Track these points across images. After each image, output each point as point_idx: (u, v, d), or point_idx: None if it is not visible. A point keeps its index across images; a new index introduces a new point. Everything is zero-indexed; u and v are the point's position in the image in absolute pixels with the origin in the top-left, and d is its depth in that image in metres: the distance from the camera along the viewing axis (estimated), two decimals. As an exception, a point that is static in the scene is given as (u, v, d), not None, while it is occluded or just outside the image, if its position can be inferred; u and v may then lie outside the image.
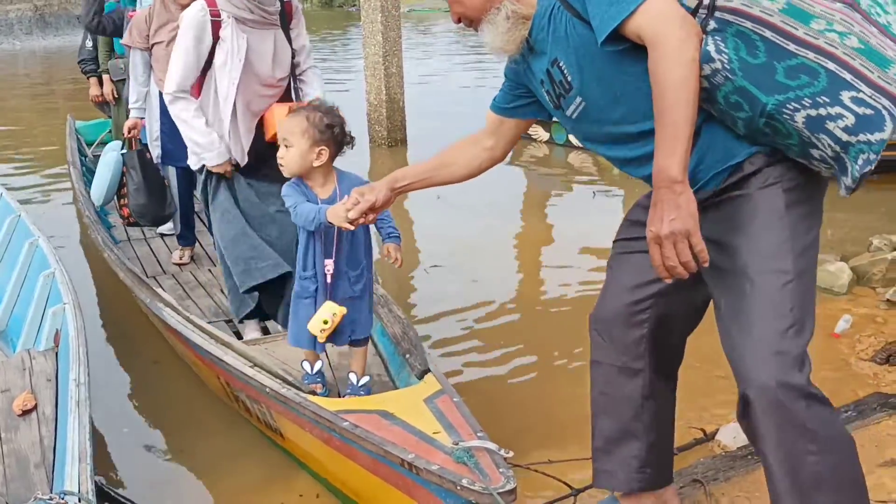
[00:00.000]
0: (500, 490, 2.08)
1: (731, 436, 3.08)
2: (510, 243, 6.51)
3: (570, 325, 4.73)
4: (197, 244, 5.16)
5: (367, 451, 2.38)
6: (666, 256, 1.69)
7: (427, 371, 2.87)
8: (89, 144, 7.29)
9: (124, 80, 5.61)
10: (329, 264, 2.84)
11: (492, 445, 2.29)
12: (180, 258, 4.97)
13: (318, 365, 3.04)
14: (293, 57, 3.71)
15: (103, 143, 6.64)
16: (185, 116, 3.54)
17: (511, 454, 2.30)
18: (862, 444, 2.80)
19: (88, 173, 6.31)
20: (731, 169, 1.88)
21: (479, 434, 2.37)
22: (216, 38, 3.44)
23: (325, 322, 2.77)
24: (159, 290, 3.77)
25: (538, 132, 10.37)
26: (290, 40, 3.68)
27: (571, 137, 9.86)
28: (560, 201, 8.11)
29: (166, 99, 3.61)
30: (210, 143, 3.51)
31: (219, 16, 3.45)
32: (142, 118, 4.85)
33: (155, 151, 4.78)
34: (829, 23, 1.69)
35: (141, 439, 3.56)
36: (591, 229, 6.27)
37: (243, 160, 3.59)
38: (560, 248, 6.29)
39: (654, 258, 1.74)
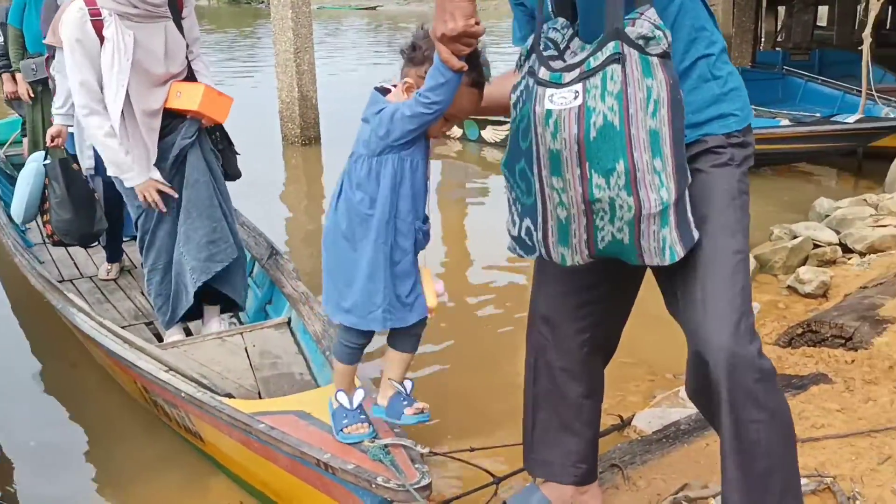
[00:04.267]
0: (416, 486, 2.10)
1: (647, 421, 3.18)
2: (431, 240, 6.51)
3: (491, 317, 4.80)
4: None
5: (284, 452, 2.37)
6: (446, 56, 1.80)
7: None
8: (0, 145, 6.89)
9: (38, 80, 5.22)
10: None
11: (408, 442, 2.30)
12: (107, 273, 4.69)
13: (358, 395, 2.36)
14: (187, 48, 3.49)
15: (16, 143, 6.29)
16: (99, 134, 3.30)
17: (427, 450, 2.32)
18: (768, 422, 2.94)
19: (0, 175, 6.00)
20: (694, 141, 1.85)
21: (395, 431, 2.38)
22: (101, 39, 3.20)
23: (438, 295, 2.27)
24: (71, 295, 3.63)
25: (452, 129, 10.42)
26: (182, 32, 3.46)
27: (484, 134, 9.97)
28: (476, 196, 8.18)
29: (80, 114, 3.35)
30: (127, 162, 3.30)
31: (99, 14, 3.20)
32: (68, 125, 4.23)
33: (86, 163, 4.29)
34: None
35: (51, 449, 3.41)
36: (502, 221, 6.32)
37: (148, 168, 3.36)
38: (478, 242, 6.36)
39: (439, 52, 1.81)
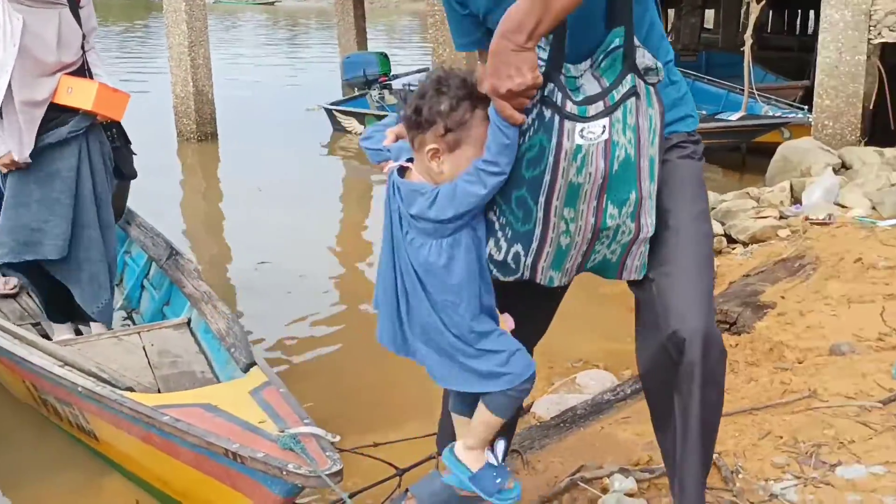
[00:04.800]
0: (328, 472, 2.10)
1: (545, 407, 3.26)
2: (335, 235, 6.54)
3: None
4: None
5: (189, 445, 2.32)
6: (509, 112, 1.66)
7: (252, 364, 2.83)
8: None
9: None
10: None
11: (318, 431, 2.30)
12: (4, 286, 4.43)
13: (500, 446, 1.97)
14: (84, 39, 3.37)
15: None
16: None
17: (338, 438, 2.32)
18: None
19: None
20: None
21: (305, 421, 2.37)
22: None
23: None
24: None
25: (352, 124, 10.38)
26: (79, 21, 3.34)
27: (386, 130, 9.97)
28: (380, 192, 8.18)
29: None
30: None
31: None
32: None
33: None
34: None
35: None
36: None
37: (21, 155, 3.23)
38: (379, 238, 6.36)
39: (498, 109, 1.67)
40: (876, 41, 6.86)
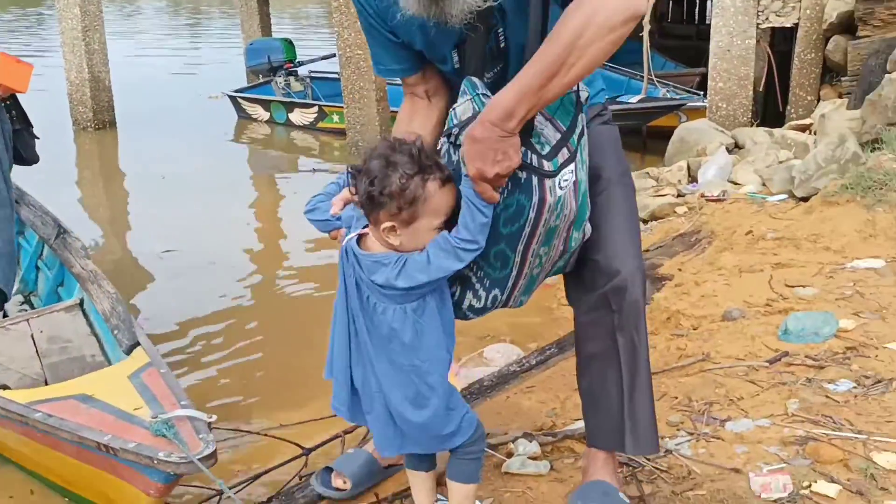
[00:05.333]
0: (199, 456, 2.09)
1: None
2: (243, 222, 6.44)
3: (302, 296, 4.81)
4: None
5: (64, 439, 2.29)
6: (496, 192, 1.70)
7: (136, 345, 2.78)
8: None
9: None
10: None
11: (193, 413, 2.28)
12: None
13: None
14: None
15: None
16: None
17: (214, 418, 2.31)
18: (563, 373, 3.15)
19: None
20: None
21: (182, 403, 2.35)
22: None
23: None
24: None
25: (258, 111, 10.20)
26: None
27: (292, 117, 9.82)
28: (285, 179, 8.08)
29: None
30: None
31: None
32: None
33: None
34: None
35: None
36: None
37: None
38: (289, 224, 6.33)
39: (482, 194, 1.68)
40: (764, 26, 7.17)
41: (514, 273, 1.83)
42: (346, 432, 2.83)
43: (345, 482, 2.32)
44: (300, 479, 2.57)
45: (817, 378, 2.62)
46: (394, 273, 1.73)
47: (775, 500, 1.99)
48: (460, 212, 1.72)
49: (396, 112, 9.52)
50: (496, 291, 1.86)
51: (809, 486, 2.03)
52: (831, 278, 3.42)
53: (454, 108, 1.77)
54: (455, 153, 1.76)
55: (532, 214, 1.74)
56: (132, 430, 2.22)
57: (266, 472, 2.74)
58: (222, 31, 21.23)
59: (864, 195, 3.88)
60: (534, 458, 2.35)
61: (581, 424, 2.52)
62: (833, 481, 2.04)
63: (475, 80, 1.78)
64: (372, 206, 1.71)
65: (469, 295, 1.87)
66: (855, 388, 2.53)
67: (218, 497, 2.57)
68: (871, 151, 4.45)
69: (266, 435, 3.00)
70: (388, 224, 1.71)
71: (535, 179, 1.71)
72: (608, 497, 1.99)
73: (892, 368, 2.62)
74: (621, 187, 1.99)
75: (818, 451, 2.17)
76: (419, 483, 2.05)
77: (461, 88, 1.79)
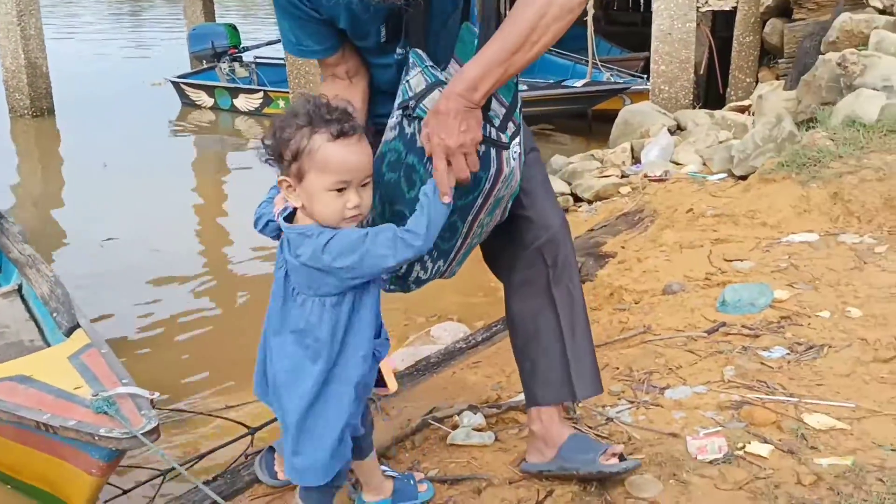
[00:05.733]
0: (142, 431, 2.09)
1: (400, 359, 3.31)
2: (187, 209, 6.37)
3: (246, 280, 4.79)
4: None
5: (3, 420, 2.25)
6: (459, 168, 1.67)
7: (76, 327, 2.74)
8: None
9: None
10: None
11: (135, 390, 2.27)
12: None
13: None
14: None
15: None
16: None
17: (157, 395, 2.30)
18: (509, 349, 3.18)
19: None
20: None
21: (124, 381, 2.33)
22: None
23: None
24: None
25: (202, 98, 10.04)
26: None
27: (237, 102, 9.70)
28: (230, 165, 7.99)
29: None
30: None
31: None
32: None
33: None
34: None
35: None
36: (261, 188, 6.32)
37: None
38: (235, 210, 6.28)
39: (437, 165, 1.66)
40: (704, 9, 7.30)
41: (459, 243, 1.86)
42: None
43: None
44: (246, 458, 2.56)
45: (753, 346, 2.69)
46: (320, 245, 1.61)
47: (711, 462, 2.05)
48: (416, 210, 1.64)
49: (342, 95, 9.38)
50: (440, 262, 1.88)
51: (743, 447, 2.09)
52: (767, 252, 3.51)
53: (407, 81, 1.77)
54: (410, 125, 1.75)
55: (487, 186, 1.77)
56: (73, 408, 2.19)
57: (211, 451, 2.72)
58: (165, 16, 20.81)
59: (798, 172, 3.98)
60: (479, 430, 2.38)
61: (525, 396, 2.57)
62: (766, 442, 2.10)
63: (420, 52, 1.79)
64: (273, 159, 1.65)
65: (417, 267, 1.87)
66: (788, 354, 2.61)
67: (161, 478, 2.56)
68: (806, 130, 4.57)
69: (211, 415, 2.99)
70: (281, 178, 1.64)
71: (493, 151, 1.75)
72: (597, 444, 2.04)
73: (823, 335, 2.70)
74: (535, 153, 2.05)
75: (752, 415, 2.24)
76: (359, 470, 2.02)
77: (409, 61, 1.79)
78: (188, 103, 10.16)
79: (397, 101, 1.80)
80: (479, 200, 1.79)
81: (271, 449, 2.40)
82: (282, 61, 8.97)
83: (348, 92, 1.92)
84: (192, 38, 10.76)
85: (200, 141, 9.09)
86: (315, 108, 1.60)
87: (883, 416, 2.19)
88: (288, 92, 8.45)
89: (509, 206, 1.89)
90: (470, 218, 1.82)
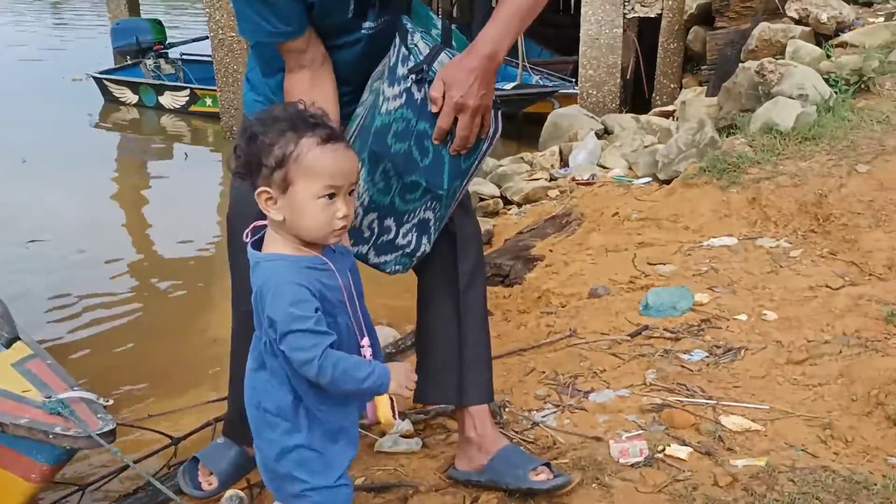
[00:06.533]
0: (99, 432, 2.04)
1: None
2: (114, 208, 6.20)
3: (171, 286, 4.68)
4: None
5: None
6: (465, 126, 1.69)
7: (16, 339, 2.64)
8: None
9: None
10: (365, 344, 1.61)
11: (89, 395, 2.21)
12: None
13: None
14: None
15: None
16: None
17: (111, 402, 2.24)
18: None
19: None
20: None
21: (74, 388, 2.26)
22: None
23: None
24: None
25: (125, 95, 9.78)
26: None
27: (162, 100, 9.48)
28: (156, 163, 7.81)
29: None
30: None
31: None
32: None
33: None
34: None
35: None
36: (189, 188, 6.21)
37: None
38: (163, 208, 6.16)
39: (444, 123, 1.68)
40: (630, 16, 7.45)
41: (451, 211, 1.87)
42: (217, 420, 2.77)
43: (210, 484, 2.28)
44: (168, 469, 2.51)
45: (674, 349, 2.76)
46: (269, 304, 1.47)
47: (633, 465, 2.10)
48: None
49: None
50: (434, 233, 1.90)
51: (663, 450, 2.14)
52: (689, 256, 3.60)
53: (415, 44, 1.76)
54: (420, 90, 1.73)
55: (485, 146, 1.79)
56: (23, 408, 2.11)
57: (136, 461, 2.66)
58: (87, 9, 20.19)
59: (719, 178, 4.10)
60: (406, 437, 2.39)
61: (452, 401, 2.58)
62: (685, 444, 2.16)
63: (408, 20, 1.81)
64: (247, 170, 1.49)
65: (424, 241, 1.88)
66: (707, 357, 2.68)
67: (80, 494, 2.49)
68: (726, 136, 4.71)
69: (132, 426, 2.92)
70: (261, 190, 1.48)
71: (498, 113, 1.78)
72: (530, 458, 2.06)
73: (741, 338, 2.79)
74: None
75: (672, 417, 2.30)
76: None
77: (407, 27, 1.79)
78: (111, 100, 9.88)
79: (400, 68, 1.76)
80: (476, 164, 1.80)
81: (195, 459, 2.36)
82: (209, 58, 8.79)
83: (318, 82, 1.84)
84: (116, 33, 10.46)
85: (125, 138, 8.86)
86: (297, 112, 1.50)
87: (795, 417, 2.28)
88: (215, 90, 8.29)
89: None
90: (467, 180, 1.83)
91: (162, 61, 9.97)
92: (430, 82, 1.72)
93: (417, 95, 1.73)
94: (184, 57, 10.30)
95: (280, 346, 1.47)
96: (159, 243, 5.51)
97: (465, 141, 1.74)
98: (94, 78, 9.99)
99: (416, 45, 1.74)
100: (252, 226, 1.57)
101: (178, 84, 9.63)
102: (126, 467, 2.61)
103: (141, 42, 9.99)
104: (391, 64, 1.78)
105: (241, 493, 2.23)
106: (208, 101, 8.99)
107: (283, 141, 1.46)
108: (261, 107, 1.99)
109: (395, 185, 1.77)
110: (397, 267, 1.91)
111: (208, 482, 2.29)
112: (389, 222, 1.84)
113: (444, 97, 1.69)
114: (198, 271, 4.92)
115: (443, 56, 1.75)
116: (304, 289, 1.46)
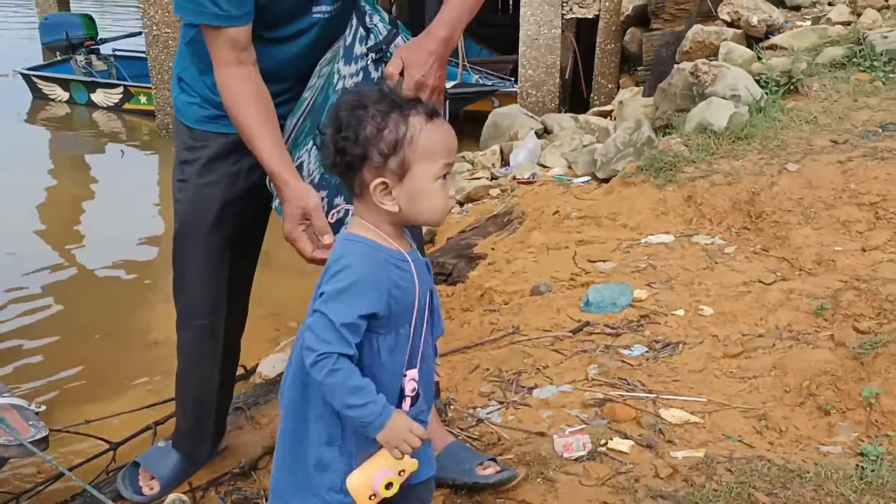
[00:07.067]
0: (31, 440, 1.99)
1: (271, 366, 3.27)
2: (46, 208, 6.02)
3: (107, 288, 4.58)
4: None
5: None
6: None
7: None
8: None
9: None
10: (411, 376, 1.44)
11: (19, 401, 2.16)
12: None
13: None
14: None
15: None
16: None
17: (43, 409, 2.19)
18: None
19: None
20: None
21: (4, 395, 2.20)
22: None
23: (389, 484, 1.39)
24: None
25: (55, 92, 9.50)
26: None
27: (94, 97, 9.24)
28: (91, 162, 7.61)
29: None
30: None
31: None
32: None
33: None
34: None
35: None
36: (125, 187, 6.08)
37: None
38: (98, 208, 6.01)
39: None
40: (569, 17, 7.55)
41: None
42: (157, 423, 2.73)
43: (151, 489, 2.24)
44: (108, 475, 2.46)
45: (614, 345, 2.81)
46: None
47: (576, 459, 2.13)
48: None
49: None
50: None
51: (606, 443, 2.18)
52: (628, 253, 3.67)
53: (375, 25, 1.79)
54: (377, 70, 1.75)
55: None
56: None
57: (74, 467, 2.60)
58: (15, 4, 19.54)
59: (656, 176, 4.19)
60: (351, 436, 2.38)
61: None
62: (626, 437, 2.21)
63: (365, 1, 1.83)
64: (351, 165, 1.36)
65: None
66: (647, 352, 2.74)
67: (15, 503, 2.42)
68: (663, 136, 4.81)
69: (69, 431, 2.84)
70: (377, 182, 1.35)
71: (446, 102, 1.87)
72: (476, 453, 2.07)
73: (679, 333, 2.86)
74: None
75: (614, 411, 2.35)
76: None
77: (364, 8, 1.80)
78: (40, 97, 9.59)
79: (358, 47, 1.78)
80: None
81: (136, 464, 2.32)
82: (143, 55, 8.59)
83: (258, 80, 1.76)
84: (44, 28, 10.14)
85: (57, 136, 8.61)
86: (388, 92, 1.38)
87: (731, 409, 2.34)
88: (150, 87, 8.11)
89: None
90: None
91: (93, 58, 9.71)
92: (386, 62, 1.74)
93: (374, 74, 1.75)
94: (116, 53, 10.06)
95: (307, 318, 1.37)
96: (95, 244, 5.37)
97: None
98: (23, 74, 9.68)
99: (375, 26, 1.77)
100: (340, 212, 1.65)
101: (112, 81, 9.39)
102: (62, 474, 2.55)
103: (71, 38, 9.71)
104: (347, 44, 1.79)
105: (184, 497, 2.19)
106: (142, 98, 8.80)
107: (392, 124, 1.34)
108: (197, 108, 1.95)
109: None
110: None
111: (149, 486, 2.25)
112: (339, 200, 1.82)
113: (401, 75, 1.71)
114: (135, 272, 4.82)
115: (398, 40, 1.79)
116: (375, 288, 1.34)
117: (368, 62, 1.75)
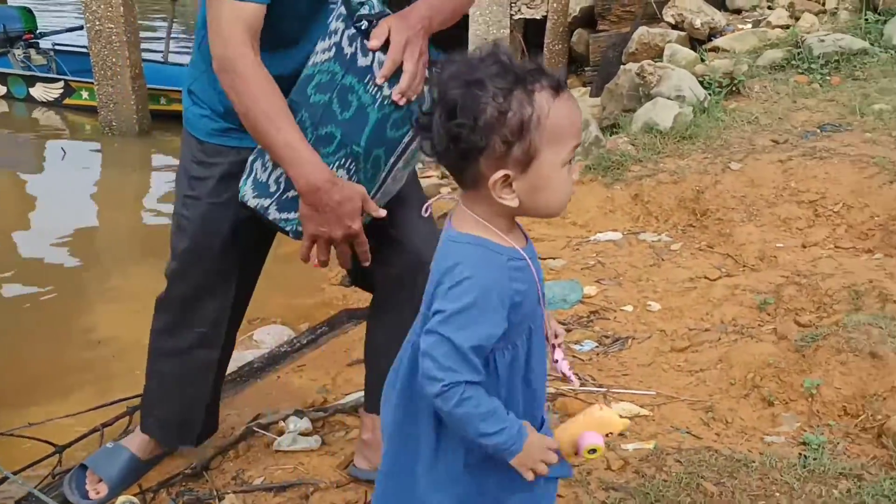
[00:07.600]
0: None
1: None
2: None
3: (48, 288, 4.46)
4: None
5: None
6: (412, 63, 1.65)
7: None
8: None
9: None
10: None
11: None
12: None
13: None
14: None
15: None
16: None
17: None
18: (334, 351, 3.19)
19: None
20: None
21: None
22: None
23: (593, 450, 1.31)
24: None
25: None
26: None
27: (34, 92, 8.99)
28: (30, 160, 7.40)
29: None
30: None
31: None
32: None
33: None
34: None
35: None
36: (65, 186, 5.93)
37: None
38: (38, 207, 5.85)
39: (396, 55, 1.62)
40: (517, 17, 7.61)
41: (378, 186, 1.74)
42: (104, 425, 2.67)
43: (98, 492, 2.20)
44: (53, 479, 2.40)
45: (566, 340, 2.85)
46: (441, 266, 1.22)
47: (529, 453, 2.16)
48: None
49: (156, 90, 8.91)
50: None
51: (558, 437, 2.22)
52: (577, 250, 3.73)
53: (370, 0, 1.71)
54: (351, 45, 1.65)
55: (415, 119, 1.73)
56: None
57: (19, 471, 2.53)
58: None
59: (604, 175, 4.26)
60: (305, 434, 2.37)
61: (351, 398, 2.59)
62: (578, 431, 2.24)
63: None
64: (464, 155, 1.15)
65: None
66: (597, 347, 2.79)
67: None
68: (610, 135, 4.89)
69: (13, 435, 2.76)
70: (499, 175, 1.15)
71: (433, 89, 1.73)
72: None
73: (628, 328, 2.92)
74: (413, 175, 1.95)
75: (566, 406, 2.38)
76: None
77: None
78: (-24, 92, 9.30)
79: (334, 23, 1.69)
80: (406, 139, 1.71)
81: (83, 467, 2.27)
82: (84, 50, 8.38)
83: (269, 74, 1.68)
84: (-20, 21, 9.84)
85: (-7, 134, 8.37)
86: (507, 62, 1.14)
87: (679, 401, 2.40)
88: (92, 83, 7.92)
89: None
90: (393, 159, 1.72)
91: (32, 51, 9.44)
92: (367, 37, 1.66)
93: (347, 50, 1.66)
94: (56, 47, 9.79)
95: (421, 337, 1.20)
96: (34, 243, 5.20)
97: (412, 78, 1.65)
98: (-44, 69, 9.38)
99: (370, 1, 1.70)
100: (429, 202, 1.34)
101: (52, 76, 9.14)
102: (6, 478, 2.49)
103: (8, 31, 9.41)
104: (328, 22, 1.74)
105: (134, 499, 2.16)
106: (84, 94, 8.58)
107: (517, 104, 1.12)
108: (208, 121, 1.88)
109: (309, 138, 1.67)
110: (299, 228, 1.74)
111: (96, 490, 2.21)
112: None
113: (384, 49, 1.64)
114: (75, 272, 4.71)
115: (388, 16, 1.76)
116: (499, 302, 1.17)
117: (341, 38, 1.67)
